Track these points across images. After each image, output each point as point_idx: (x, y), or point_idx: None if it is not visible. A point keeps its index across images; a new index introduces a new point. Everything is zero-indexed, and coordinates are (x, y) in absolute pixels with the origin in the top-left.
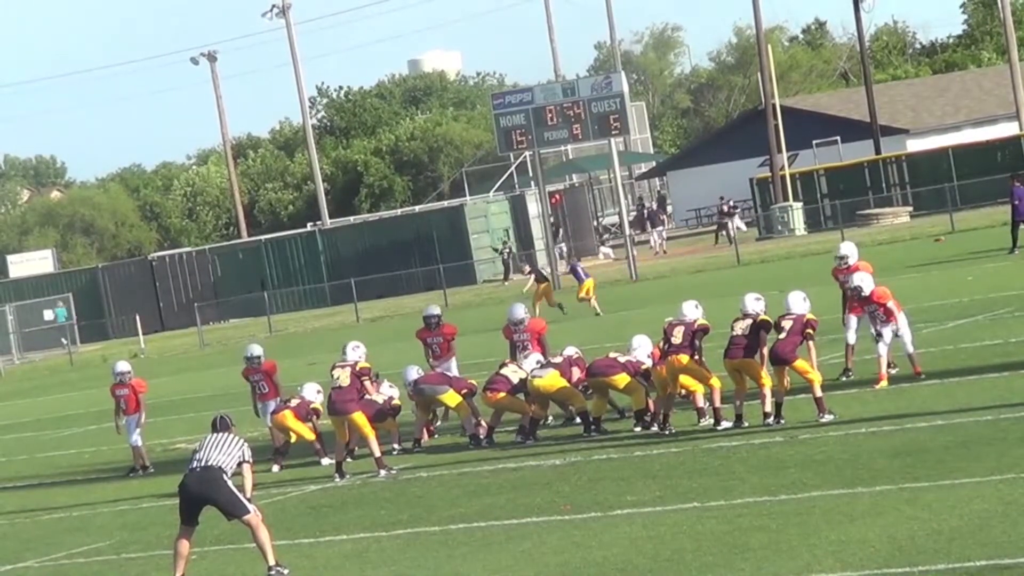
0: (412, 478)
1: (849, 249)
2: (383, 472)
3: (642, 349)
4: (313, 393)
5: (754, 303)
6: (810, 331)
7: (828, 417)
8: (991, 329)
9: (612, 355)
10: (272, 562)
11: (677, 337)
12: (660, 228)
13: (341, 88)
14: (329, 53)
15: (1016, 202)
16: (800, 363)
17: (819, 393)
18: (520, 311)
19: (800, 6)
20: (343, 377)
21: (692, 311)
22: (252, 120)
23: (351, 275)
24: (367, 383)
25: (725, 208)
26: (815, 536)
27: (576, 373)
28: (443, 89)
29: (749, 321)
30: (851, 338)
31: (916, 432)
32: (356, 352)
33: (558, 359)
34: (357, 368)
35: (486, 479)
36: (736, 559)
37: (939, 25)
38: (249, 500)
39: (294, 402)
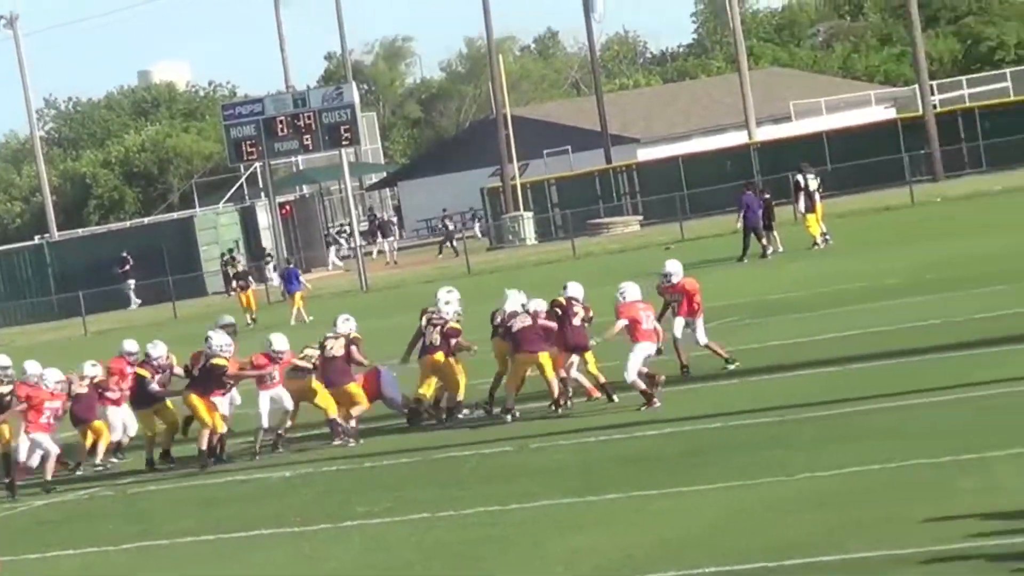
0: (140, 491)
1: (674, 267)
2: (347, 440)
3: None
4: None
5: (522, 300)
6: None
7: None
8: (720, 337)
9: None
10: None
11: (435, 337)
12: (392, 239)
13: (70, 99)
14: (57, 63)
15: (745, 210)
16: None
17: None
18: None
19: (532, 16)
20: (336, 347)
21: (447, 308)
22: None
23: (80, 288)
24: (354, 351)
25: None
26: (545, 545)
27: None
28: (172, 100)
29: (526, 315)
30: (678, 332)
31: (646, 440)
32: (347, 325)
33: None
34: (351, 337)
35: (215, 492)
36: (465, 569)
37: (670, 34)
38: None
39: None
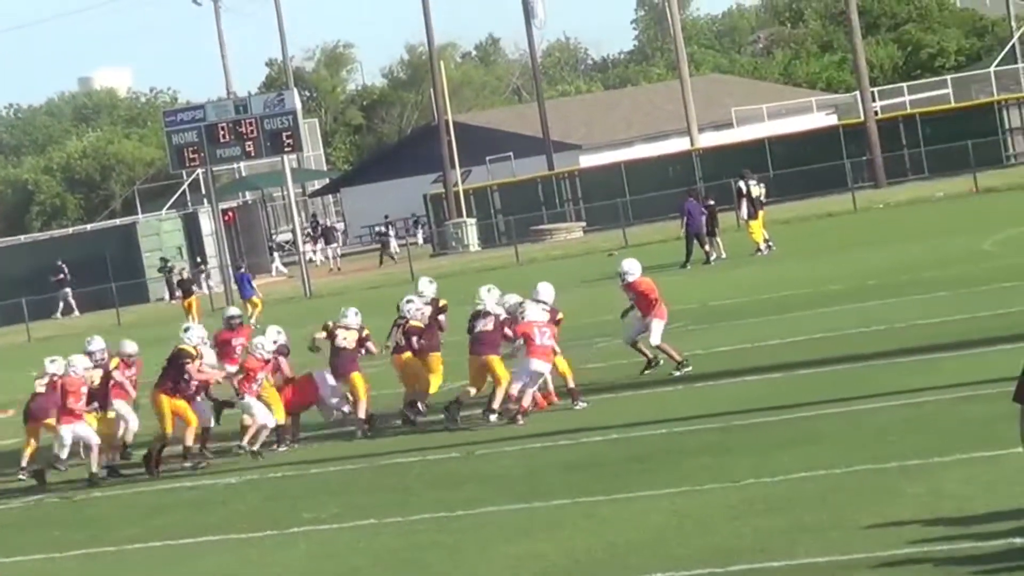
0: (87, 498)
1: (630, 266)
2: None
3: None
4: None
5: (495, 298)
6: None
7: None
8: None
9: None
10: None
11: (399, 338)
12: (335, 245)
13: (10, 105)
14: None
15: (688, 216)
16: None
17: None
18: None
19: (473, 23)
20: (349, 339)
21: (408, 307)
22: None
23: (23, 295)
24: (370, 345)
25: (383, 228)
26: (492, 551)
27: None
28: (113, 106)
29: (491, 319)
30: (627, 337)
31: (592, 446)
32: (357, 319)
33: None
34: (363, 334)
35: (162, 498)
36: (413, 575)
37: (611, 41)
38: None
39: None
